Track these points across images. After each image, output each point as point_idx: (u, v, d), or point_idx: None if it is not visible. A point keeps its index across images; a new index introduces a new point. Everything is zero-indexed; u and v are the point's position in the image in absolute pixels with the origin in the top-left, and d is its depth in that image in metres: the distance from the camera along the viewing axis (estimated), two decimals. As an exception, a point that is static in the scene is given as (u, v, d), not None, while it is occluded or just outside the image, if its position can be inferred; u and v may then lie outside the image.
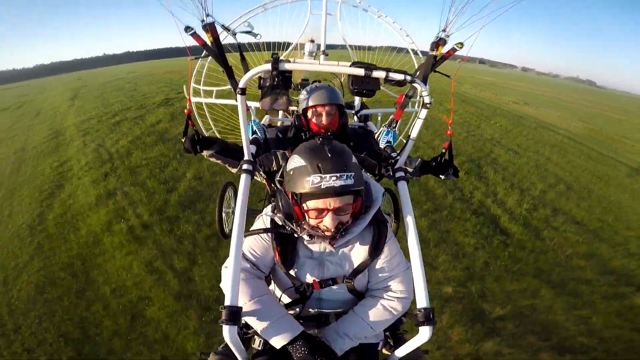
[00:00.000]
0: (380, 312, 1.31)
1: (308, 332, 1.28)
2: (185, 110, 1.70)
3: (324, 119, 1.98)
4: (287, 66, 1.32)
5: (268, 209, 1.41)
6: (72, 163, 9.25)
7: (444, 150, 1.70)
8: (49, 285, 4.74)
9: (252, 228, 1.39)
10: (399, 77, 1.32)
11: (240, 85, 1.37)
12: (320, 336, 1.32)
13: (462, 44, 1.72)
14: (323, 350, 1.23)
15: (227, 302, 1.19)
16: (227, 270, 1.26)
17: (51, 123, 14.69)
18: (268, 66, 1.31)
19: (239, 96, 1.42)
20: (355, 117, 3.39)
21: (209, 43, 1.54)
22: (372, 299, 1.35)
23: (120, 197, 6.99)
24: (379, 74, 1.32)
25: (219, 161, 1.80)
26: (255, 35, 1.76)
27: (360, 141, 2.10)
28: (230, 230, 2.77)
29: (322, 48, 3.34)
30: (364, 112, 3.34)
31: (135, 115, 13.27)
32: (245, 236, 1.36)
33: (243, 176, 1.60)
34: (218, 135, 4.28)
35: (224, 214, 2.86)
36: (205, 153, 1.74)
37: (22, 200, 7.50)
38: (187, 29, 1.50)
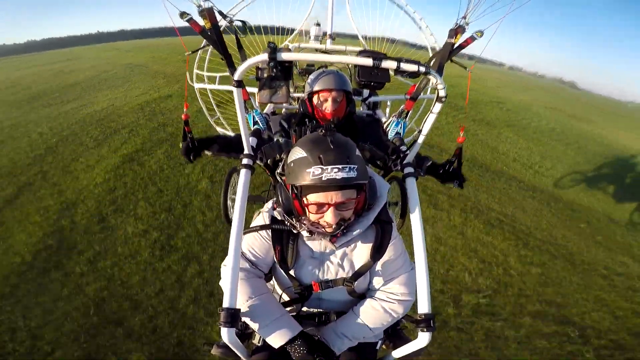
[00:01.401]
0: (380, 314, 1.28)
1: (306, 331, 1.26)
2: (183, 116, 1.63)
3: (329, 105, 1.89)
4: (285, 56, 1.20)
5: (268, 205, 1.36)
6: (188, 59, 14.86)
7: (452, 159, 1.62)
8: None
9: (251, 225, 1.35)
10: (412, 67, 1.19)
11: (236, 77, 1.27)
12: (319, 335, 1.30)
13: (482, 32, 1.59)
14: (321, 349, 1.21)
15: (225, 304, 1.15)
16: (227, 269, 1.23)
17: (134, 57, 18.98)
18: (265, 56, 1.20)
19: (234, 88, 1.32)
20: (363, 105, 3.25)
21: (206, 30, 1.44)
22: (372, 301, 1.31)
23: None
24: (389, 64, 1.19)
25: (222, 157, 1.75)
26: (249, 31, 1.67)
27: (367, 130, 2.02)
28: None
29: (328, 32, 3.19)
30: (373, 99, 3.19)
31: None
32: (244, 233, 1.32)
33: (242, 171, 1.53)
34: (224, 122, 4.24)
35: (229, 201, 2.83)
36: (207, 153, 1.70)
37: (169, 63, 14.94)
38: (183, 14, 1.39)
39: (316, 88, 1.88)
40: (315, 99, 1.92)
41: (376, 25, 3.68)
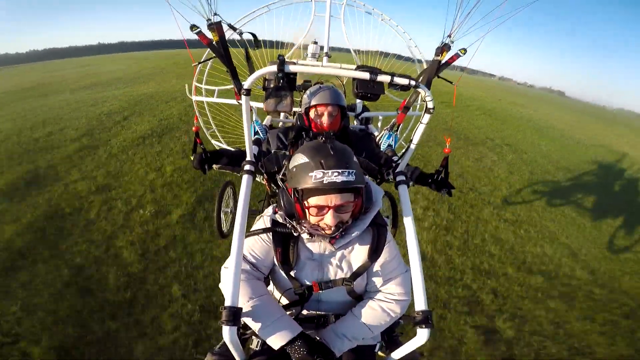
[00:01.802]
0: (379, 314, 1.31)
1: (306, 332, 1.26)
2: (193, 128, 1.69)
3: (325, 119, 1.96)
4: (292, 68, 1.31)
5: (269, 210, 1.39)
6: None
7: (440, 168, 1.71)
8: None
9: (252, 229, 1.38)
10: (404, 81, 1.32)
11: (246, 86, 1.35)
12: (319, 337, 1.30)
13: (465, 50, 1.74)
14: (322, 350, 1.21)
15: (227, 303, 1.17)
16: (228, 271, 1.25)
17: (152, 63, 23.50)
18: (274, 67, 1.29)
19: (243, 97, 1.39)
20: (356, 120, 3.37)
21: (214, 42, 1.53)
22: (370, 301, 1.34)
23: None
24: (383, 78, 1.32)
25: (227, 170, 1.84)
26: (257, 44, 1.77)
27: (360, 144, 2.10)
28: (229, 230, 2.85)
29: (325, 50, 3.32)
30: (365, 114, 3.33)
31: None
32: (245, 237, 1.35)
33: (245, 177, 1.57)
34: (218, 135, 4.29)
35: (222, 214, 2.84)
36: (215, 167, 1.77)
37: (187, 67, 16.59)
38: (193, 27, 1.47)
39: (313, 102, 1.96)
40: (312, 113, 2.00)
41: (369, 41, 3.92)
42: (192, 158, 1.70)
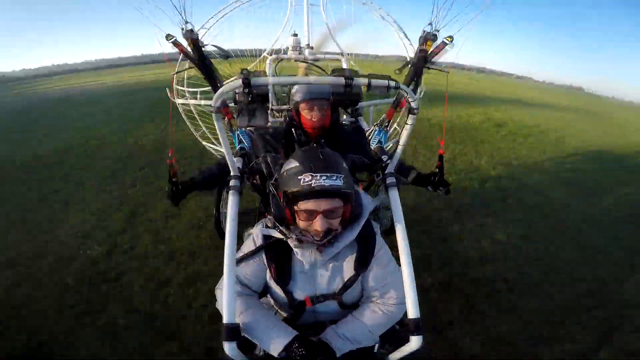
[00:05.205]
0: (379, 316, 1.32)
1: (304, 336, 1.28)
2: (167, 161, 1.63)
3: (315, 114, 1.87)
4: (258, 81, 1.18)
5: (259, 225, 1.39)
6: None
7: (437, 170, 1.63)
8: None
9: (242, 248, 1.38)
10: (382, 83, 1.21)
11: (213, 104, 1.25)
12: (320, 337, 1.30)
13: (451, 37, 1.60)
14: (322, 350, 1.22)
15: (225, 320, 1.17)
16: (222, 291, 1.25)
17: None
18: (238, 82, 1.17)
19: (214, 115, 1.30)
20: (345, 113, 3.26)
21: (189, 51, 1.49)
22: (371, 304, 1.35)
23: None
24: (360, 83, 1.21)
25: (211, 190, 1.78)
26: (225, 55, 1.69)
27: (350, 138, 2.03)
28: None
29: (306, 42, 3.19)
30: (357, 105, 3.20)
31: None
32: (238, 262, 1.32)
33: (230, 193, 1.48)
34: (210, 136, 4.14)
35: (221, 216, 2.84)
36: (189, 195, 1.72)
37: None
38: (168, 36, 1.45)
39: (302, 98, 1.86)
40: (301, 109, 1.89)
41: (356, 32, 3.76)
42: (166, 189, 1.67)
